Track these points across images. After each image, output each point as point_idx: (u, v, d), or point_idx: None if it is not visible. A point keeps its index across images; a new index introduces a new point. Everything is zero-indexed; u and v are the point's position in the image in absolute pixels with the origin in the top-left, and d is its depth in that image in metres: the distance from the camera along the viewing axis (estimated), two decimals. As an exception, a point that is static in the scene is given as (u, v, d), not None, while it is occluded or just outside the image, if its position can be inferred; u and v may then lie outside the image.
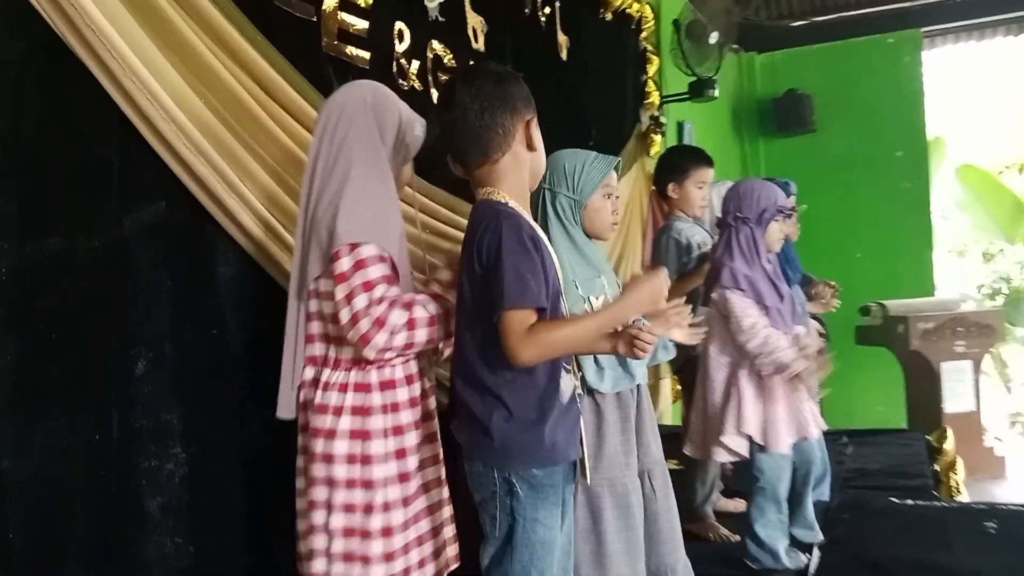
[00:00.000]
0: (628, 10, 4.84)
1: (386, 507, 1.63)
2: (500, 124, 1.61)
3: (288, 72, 2.19)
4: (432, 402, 1.82)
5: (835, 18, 7.36)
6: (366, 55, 2.59)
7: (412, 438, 1.69)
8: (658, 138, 5.19)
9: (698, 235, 3.20)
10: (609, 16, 4.63)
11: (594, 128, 4.43)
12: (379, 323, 1.57)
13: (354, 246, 1.61)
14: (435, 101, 2.89)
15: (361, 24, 2.57)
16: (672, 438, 4.41)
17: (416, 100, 2.78)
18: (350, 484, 1.63)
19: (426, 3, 2.86)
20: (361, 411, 1.65)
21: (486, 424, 1.55)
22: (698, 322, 2.17)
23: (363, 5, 2.58)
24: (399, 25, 2.73)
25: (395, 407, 1.67)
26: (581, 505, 2.02)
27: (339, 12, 2.49)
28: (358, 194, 1.65)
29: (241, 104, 2.02)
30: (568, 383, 1.63)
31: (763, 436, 2.64)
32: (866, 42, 7.29)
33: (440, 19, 2.93)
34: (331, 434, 1.64)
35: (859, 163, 7.25)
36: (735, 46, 7.51)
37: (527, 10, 3.74)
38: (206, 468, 1.94)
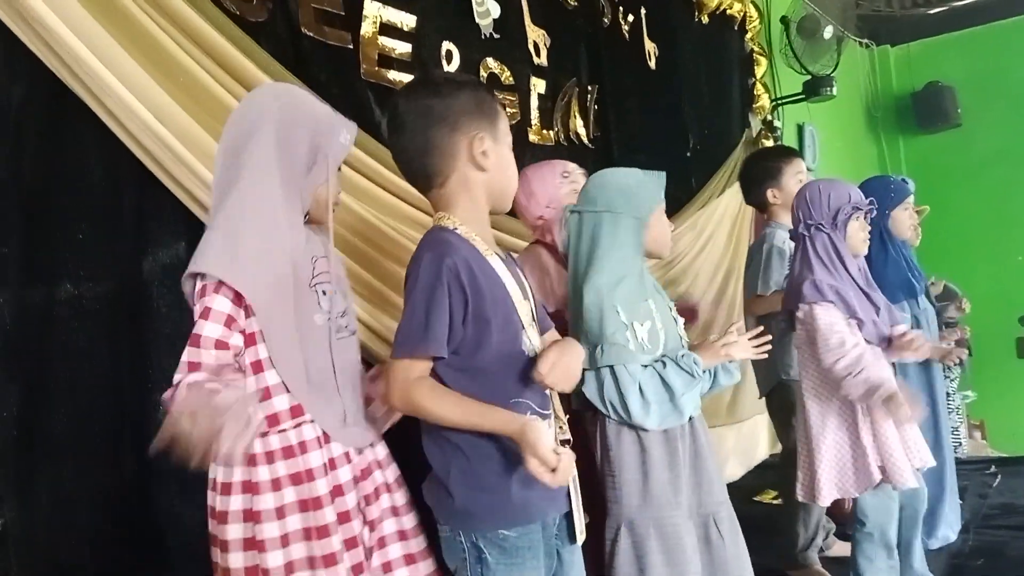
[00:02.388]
0: (729, 11, 4.56)
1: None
2: (438, 144, 1.42)
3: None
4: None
5: (975, 1, 6.70)
6: (411, 79, 2.51)
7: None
8: (769, 143, 4.85)
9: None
10: (706, 19, 4.37)
11: (692, 137, 4.19)
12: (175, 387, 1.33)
13: (197, 275, 1.39)
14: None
15: (404, 48, 2.50)
16: (767, 469, 4.11)
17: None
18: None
19: (478, 21, 2.75)
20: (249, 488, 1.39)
21: (445, 480, 1.38)
22: (758, 335, 1.94)
23: (406, 29, 2.51)
24: (447, 46, 2.64)
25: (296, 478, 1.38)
26: (624, 551, 1.82)
27: (379, 37, 2.43)
28: (229, 219, 1.40)
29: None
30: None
31: (881, 472, 2.31)
32: (1012, 24, 6.58)
33: (495, 35, 2.81)
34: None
35: (1013, 158, 6.53)
36: (865, 40, 7.02)
37: (606, 20, 3.57)
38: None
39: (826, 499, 2.38)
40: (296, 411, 1.42)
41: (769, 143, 4.85)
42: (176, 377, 1.36)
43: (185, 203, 1.86)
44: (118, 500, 1.74)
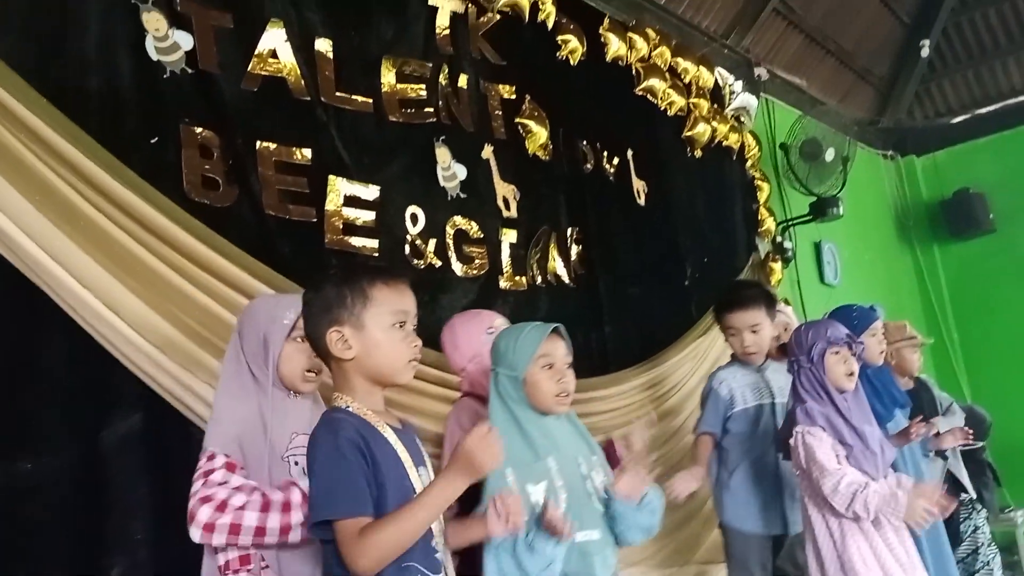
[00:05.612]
0: (725, 142, 4.72)
1: None
2: (312, 336, 1.60)
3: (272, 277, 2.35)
4: None
5: (999, 107, 6.71)
6: (375, 243, 2.72)
7: None
8: (777, 265, 4.90)
9: (740, 380, 2.91)
10: (699, 153, 4.54)
11: (689, 266, 4.29)
12: (204, 500, 1.58)
13: (208, 455, 1.70)
14: (458, 274, 2.97)
15: (368, 216, 2.72)
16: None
17: (434, 276, 2.88)
18: None
19: (443, 184, 2.97)
20: None
21: None
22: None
23: (371, 199, 2.73)
24: (412, 209, 2.86)
25: None
26: None
27: (343, 208, 2.66)
28: (216, 410, 1.77)
29: (212, 315, 2.19)
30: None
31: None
32: (1039, 127, 6.56)
33: (462, 195, 3.02)
34: None
35: (1054, 259, 6.38)
36: (889, 152, 7.07)
37: (589, 165, 3.77)
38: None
39: None
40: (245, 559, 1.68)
41: (777, 265, 4.91)
42: (207, 490, 1.64)
43: (142, 378, 2.06)
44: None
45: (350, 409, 1.58)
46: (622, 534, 1.92)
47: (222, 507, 1.59)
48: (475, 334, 2.24)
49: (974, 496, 3.67)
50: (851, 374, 2.61)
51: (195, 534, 1.59)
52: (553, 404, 1.94)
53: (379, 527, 1.44)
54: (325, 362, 1.64)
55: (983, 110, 6.85)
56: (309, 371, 1.82)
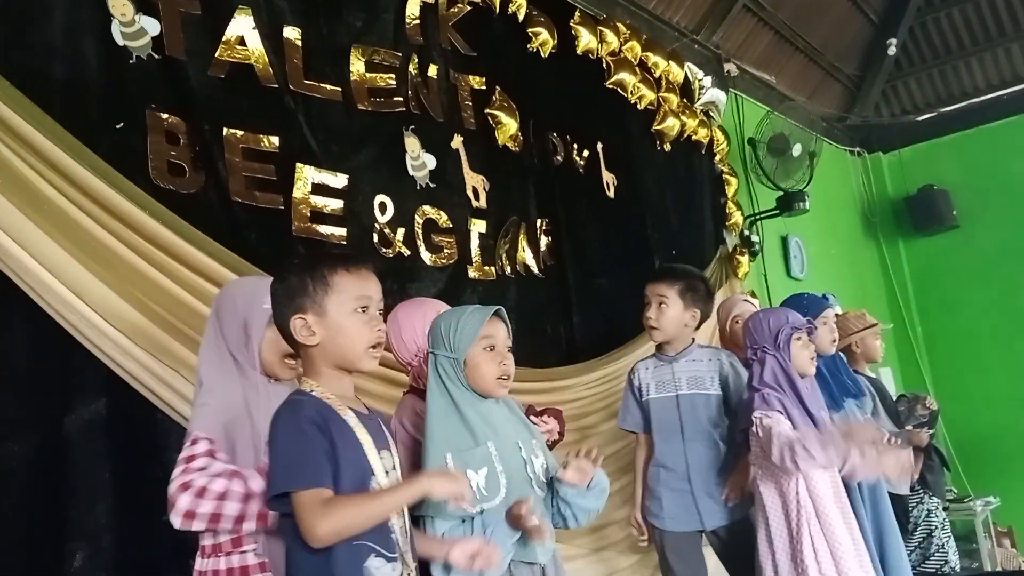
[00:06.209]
0: (694, 136, 4.77)
1: None
2: (283, 322, 1.61)
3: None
4: None
5: (963, 106, 6.84)
6: (343, 231, 2.73)
7: None
8: (744, 259, 4.97)
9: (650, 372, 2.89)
10: (668, 147, 4.58)
11: (658, 258, 4.33)
12: (184, 487, 1.57)
13: (192, 439, 1.68)
14: (427, 263, 2.98)
15: (336, 204, 2.73)
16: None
17: (403, 264, 2.90)
18: None
19: (412, 174, 2.98)
20: None
21: None
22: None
23: (338, 187, 2.74)
24: (381, 198, 2.87)
25: None
26: None
27: (311, 196, 2.66)
28: (201, 395, 1.75)
29: (178, 301, 2.19)
30: (387, 572, 1.55)
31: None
32: (1002, 126, 6.68)
33: (431, 185, 3.04)
34: None
35: (1016, 255, 6.51)
36: (856, 148, 7.18)
37: (559, 157, 3.79)
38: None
39: None
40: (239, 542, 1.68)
41: (744, 259, 4.97)
42: (186, 476, 1.62)
43: (107, 364, 2.06)
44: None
45: (313, 393, 1.60)
46: (569, 517, 1.95)
47: (201, 493, 1.59)
48: (419, 329, 2.13)
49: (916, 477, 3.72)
50: (812, 359, 2.69)
51: (175, 521, 1.58)
52: (494, 386, 1.93)
53: (344, 501, 1.48)
54: (293, 349, 1.66)
55: (948, 108, 6.97)
56: (288, 357, 1.81)
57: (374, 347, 1.64)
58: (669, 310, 2.78)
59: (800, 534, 2.47)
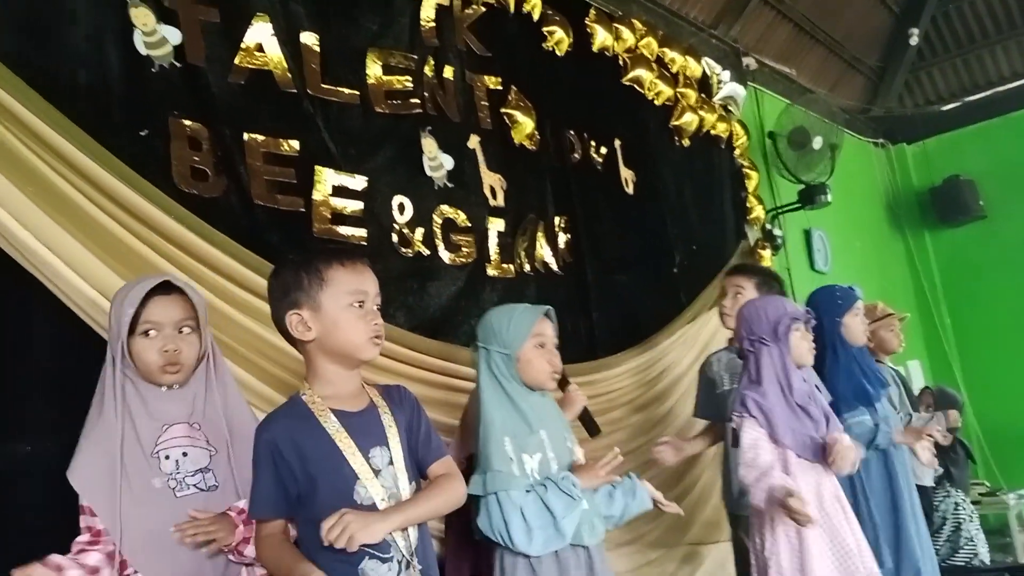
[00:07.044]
0: (713, 131, 4.77)
1: None
2: (276, 320, 1.64)
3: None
4: None
5: (988, 95, 6.77)
6: (363, 232, 2.77)
7: None
8: (767, 253, 4.96)
9: (723, 363, 2.98)
10: (687, 142, 4.59)
11: (678, 254, 4.34)
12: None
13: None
14: (446, 262, 3.02)
15: (356, 205, 2.77)
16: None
17: (422, 264, 2.94)
18: None
19: (430, 174, 3.02)
20: None
21: None
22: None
23: (358, 189, 2.79)
24: (399, 199, 2.91)
25: None
26: None
27: (331, 199, 2.71)
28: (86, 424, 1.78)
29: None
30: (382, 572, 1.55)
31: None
32: (1025, 115, 6.62)
33: (449, 185, 3.08)
34: None
35: (1045, 245, 6.44)
36: (880, 140, 7.12)
37: (576, 155, 3.82)
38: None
39: None
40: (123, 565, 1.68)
41: (766, 252, 4.96)
42: None
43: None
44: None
45: (303, 397, 1.62)
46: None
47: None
48: None
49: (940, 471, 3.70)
50: (811, 349, 2.65)
51: None
52: (546, 380, 2.10)
53: (269, 550, 1.58)
54: (293, 346, 1.67)
55: (972, 97, 6.91)
56: (168, 365, 1.75)
57: (373, 338, 1.64)
58: (743, 298, 2.86)
59: (801, 533, 2.44)
